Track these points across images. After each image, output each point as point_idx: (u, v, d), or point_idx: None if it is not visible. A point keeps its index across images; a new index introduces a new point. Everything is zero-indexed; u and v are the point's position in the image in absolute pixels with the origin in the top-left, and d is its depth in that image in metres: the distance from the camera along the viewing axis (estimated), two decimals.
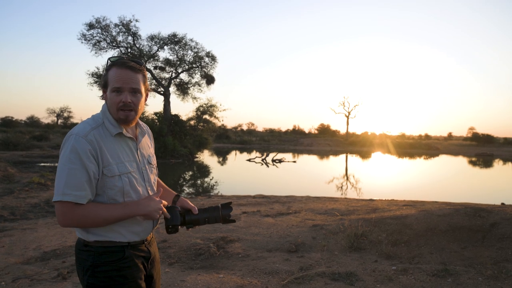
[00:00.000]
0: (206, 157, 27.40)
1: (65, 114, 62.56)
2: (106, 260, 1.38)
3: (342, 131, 60.43)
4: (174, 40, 24.06)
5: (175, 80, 25.32)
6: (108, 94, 1.42)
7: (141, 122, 1.59)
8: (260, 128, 75.90)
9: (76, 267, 1.46)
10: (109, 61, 1.44)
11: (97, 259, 1.38)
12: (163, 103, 23.94)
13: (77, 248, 1.44)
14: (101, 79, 1.44)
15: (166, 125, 22.89)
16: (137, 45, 24.06)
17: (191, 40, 24.31)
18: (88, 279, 1.38)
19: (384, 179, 17.75)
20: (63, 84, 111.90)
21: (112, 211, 1.35)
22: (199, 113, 25.05)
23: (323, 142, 50.93)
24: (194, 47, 24.49)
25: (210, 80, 25.63)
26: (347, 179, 17.50)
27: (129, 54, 23.75)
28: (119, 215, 1.36)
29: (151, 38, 24.13)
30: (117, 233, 1.40)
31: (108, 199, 1.39)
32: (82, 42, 23.55)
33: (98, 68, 24.10)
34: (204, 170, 19.49)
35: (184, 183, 14.78)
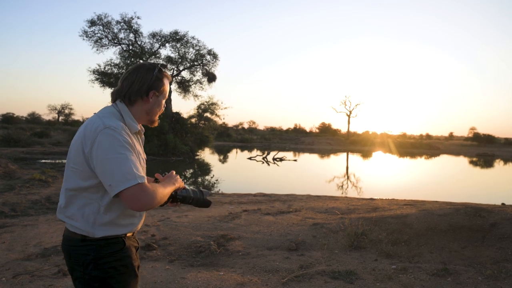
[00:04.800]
0: (207, 155, 27.43)
1: (66, 111, 62.34)
2: (109, 251, 1.41)
3: (343, 130, 60.59)
4: (175, 38, 24.01)
5: (176, 77, 25.29)
6: (161, 101, 1.57)
7: None
8: (261, 126, 75.86)
9: (69, 264, 1.44)
10: (160, 68, 1.52)
11: (99, 252, 1.39)
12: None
13: (72, 244, 1.42)
14: (154, 81, 1.50)
15: (167, 122, 22.90)
16: (139, 42, 24.04)
17: (193, 37, 24.25)
18: (91, 272, 1.39)
19: (385, 179, 17.75)
20: (64, 81, 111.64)
21: (165, 186, 1.46)
22: (200, 111, 25.08)
23: (324, 141, 50.95)
24: (196, 45, 24.45)
25: (211, 78, 25.59)
26: (348, 178, 17.51)
27: (130, 51, 23.75)
28: (171, 188, 1.49)
29: (153, 35, 24.09)
30: (122, 226, 1.45)
31: None
32: (83, 39, 23.52)
33: (99, 65, 24.08)
34: (205, 168, 19.50)
35: (185, 180, 14.78)
